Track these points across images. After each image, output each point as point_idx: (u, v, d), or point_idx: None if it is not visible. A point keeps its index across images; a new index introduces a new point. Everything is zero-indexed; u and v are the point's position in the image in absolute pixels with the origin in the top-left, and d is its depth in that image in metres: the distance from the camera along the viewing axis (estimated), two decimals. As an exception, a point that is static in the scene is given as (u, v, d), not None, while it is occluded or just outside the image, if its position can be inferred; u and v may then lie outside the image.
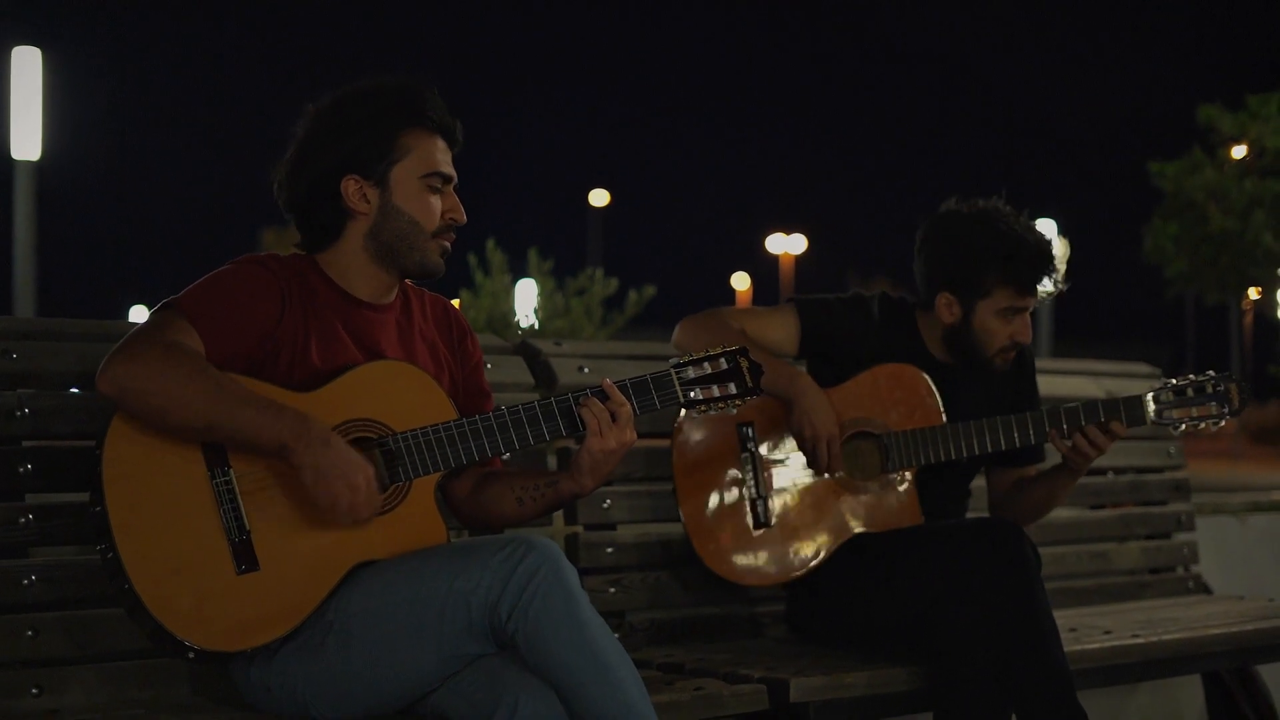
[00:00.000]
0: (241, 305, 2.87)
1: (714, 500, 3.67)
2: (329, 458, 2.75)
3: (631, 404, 3.02)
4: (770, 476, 3.68)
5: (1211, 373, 3.75)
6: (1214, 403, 3.72)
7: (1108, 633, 3.98)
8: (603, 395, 3.00)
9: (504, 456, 3.06)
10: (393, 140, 2.99)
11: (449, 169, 3.05)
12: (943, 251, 3.80)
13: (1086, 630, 4.00)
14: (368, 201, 3.00)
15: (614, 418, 2.99)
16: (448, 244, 3.07)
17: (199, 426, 2.74)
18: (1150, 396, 3.71)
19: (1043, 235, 3.77)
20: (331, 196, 2.99)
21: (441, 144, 3.05)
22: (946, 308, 3.79)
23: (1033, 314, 3.94)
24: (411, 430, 2.92)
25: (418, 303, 3.14)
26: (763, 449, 3.68)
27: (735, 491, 3.67)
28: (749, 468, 3.65)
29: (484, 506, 3.17)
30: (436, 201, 3.03)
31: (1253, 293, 12.49)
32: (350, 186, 2.99)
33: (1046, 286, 3.77)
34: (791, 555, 3.67)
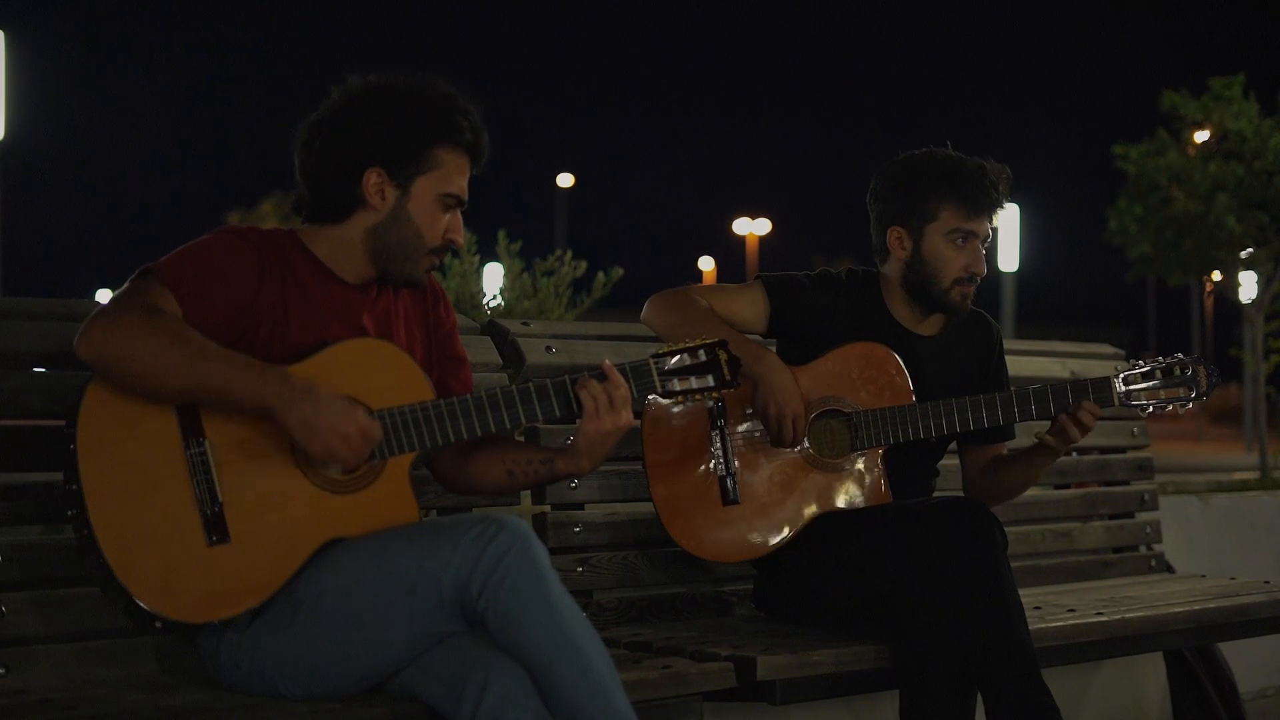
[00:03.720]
0: (220, 274, 2.87)
1: (684, 477, 3.67)
2: (316, 412, 2.76)
3: (630, 388, 3.03)
4: (740, 454, 3.68)
5: (1180, 355, 3.78)
6: (1182, 386, 3.75)
7: (1071, 611, 4.01)
8: (601, 377, 3.01)
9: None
10: (428, 150, 2.99)
11: (465, 193, 3.06)
12: (888, 189, 3.86)
13: (1050, 608, 4.03)
14: (384, 198, 2.99)
15: (611, 400, 3.01)
16: (438, 261, 3.08)
17: (180, 389, 2.74)
18: (1118, 378, 3.74)
19: (987, 161, 3.82)
20: (351, 179, 2.98)
21: (467, 165, 3.05)
22: (898, 243, 3.83)
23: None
24: (388, 409, 2.92)
25: None
26: (733, 426, 3.69)
27: (705, 468, 3.67)
28: (719, 445, 3.66)
29: (471, 475, 3.18)
30: (444, 220, 3.04)
31: (1215, 275, 12.52)
32: (372, 179, 2.97)
33: (993, 210, 3.80)
34: (760, 532, 3.68)
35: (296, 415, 2.76)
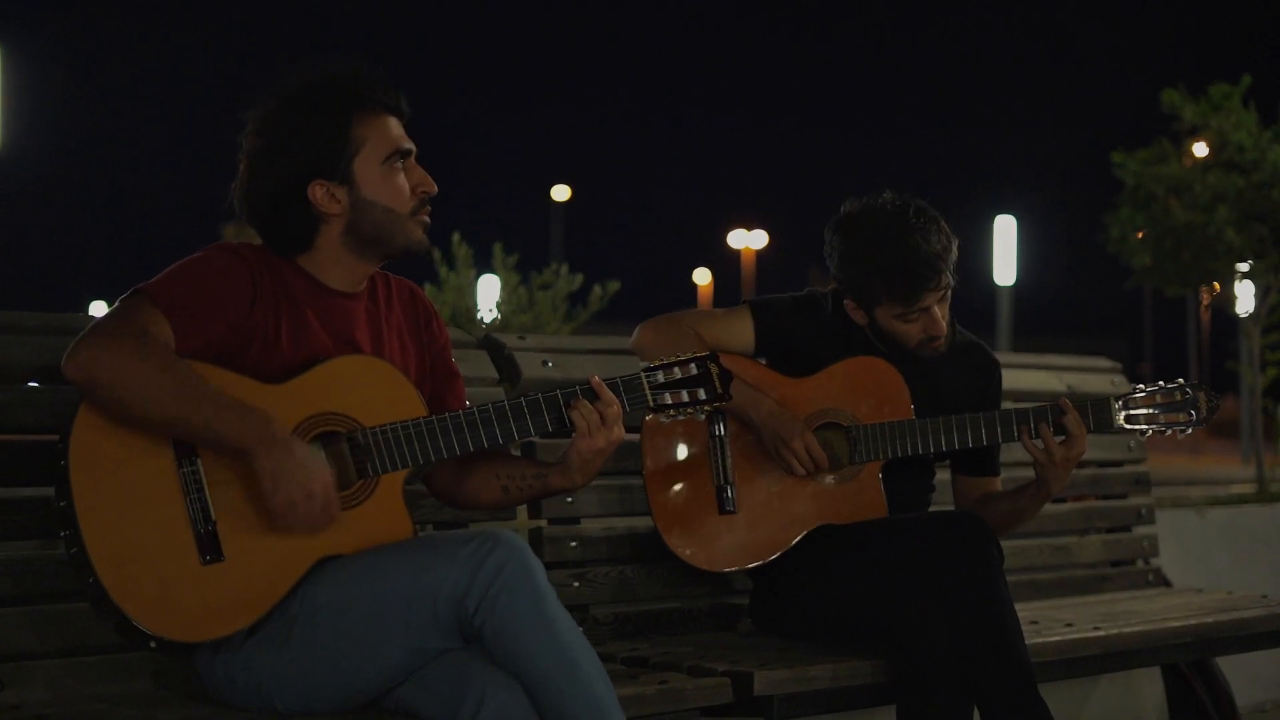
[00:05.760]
0: (213, 293, 2.85)
1: (682, 486, 3.67)
2: (288, 465, 2.74)
3: (622, 402, 3.02)
4: (739, 464, 3.68)
5: (1180, 380, 3.77)
6: (1182, 410, 3.73)
7: (1069, 625, 4.01)
8: (592, 395, 3.00)
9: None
10: (346, 134, 2.95)
11: (407, 143, 3.02)
12: (838, 261, 3.79)
13: (1048, 623, 4.03)
14: (338, 202, 2.96)
15: (603, 418, 3.00)
16: (426, 218, 3.05)
17: (163, 422, 2.72)
18: (1117, 401, 3.73)
19: (927, 240, 3.67)
20: (299, 204, 2.95)
21: (392, 121, 3.02)
22: (855, 311, 3.81)
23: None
24: (381, 426, 2.91)
25: (384, 289, 3.13)
26: (734, 438, 3.68)
27: (702, 477, 3.67)
28: (717, 454, 3.66)
29: (467, 490, 3.18)
30: (404, 181, 3.01)
31: (1214, 286, 12.48)
32: (318, 191, 2.95)
33: (938, 287, 3.70)
34: (756, 542, 3.67)
35: (268, 463, 2.74)
